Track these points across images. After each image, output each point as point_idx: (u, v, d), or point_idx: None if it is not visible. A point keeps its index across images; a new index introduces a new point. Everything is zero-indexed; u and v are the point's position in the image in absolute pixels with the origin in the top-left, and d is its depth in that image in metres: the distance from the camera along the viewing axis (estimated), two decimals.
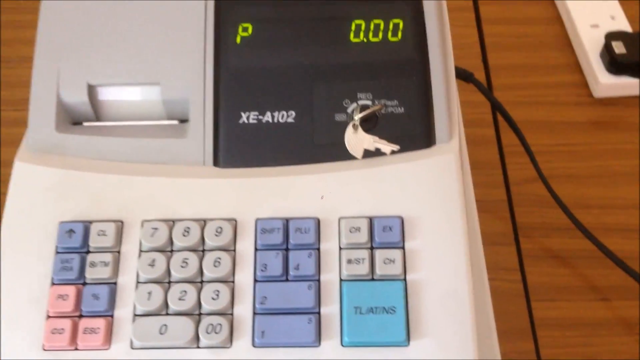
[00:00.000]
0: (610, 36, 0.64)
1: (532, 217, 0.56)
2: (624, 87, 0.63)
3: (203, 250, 0.37)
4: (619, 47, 0.62)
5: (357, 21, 0.40)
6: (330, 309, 0.35)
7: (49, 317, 0.35)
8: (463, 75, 0.53)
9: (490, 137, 0.59)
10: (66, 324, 0.35)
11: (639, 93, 0.63)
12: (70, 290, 0.35)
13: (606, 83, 0.63)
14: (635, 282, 0.49)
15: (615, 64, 0.62)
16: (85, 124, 0.41)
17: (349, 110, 0.39)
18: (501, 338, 0.49)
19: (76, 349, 0.35)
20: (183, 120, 0.41)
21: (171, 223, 0.37)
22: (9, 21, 0.70)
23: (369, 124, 0.39)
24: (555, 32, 0.70)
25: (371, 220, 0.37)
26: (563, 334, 0.50)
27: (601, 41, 0.64)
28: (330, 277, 0.36)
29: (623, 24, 0.67)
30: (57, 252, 0.37)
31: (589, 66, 0.64)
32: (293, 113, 0.39)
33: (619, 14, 0.68)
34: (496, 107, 0.55)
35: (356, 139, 0.39)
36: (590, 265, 0.53)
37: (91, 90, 0.40)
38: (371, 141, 0.39)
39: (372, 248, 0.36)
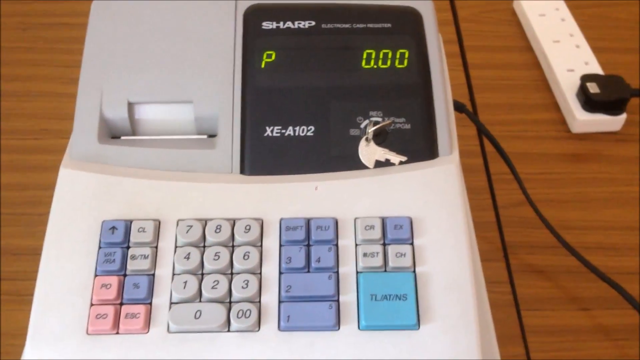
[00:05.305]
0: (585, 78, 0.70)
1: (519, 236, 0.60)
2: (599, 123, 0.69)
3: (233, 246, 0.40)
4: (593, 88, 0.68)
5: (368, 50, 0.46)
6: (348, 297, 0.39)
7: (92, 304, 0.39)
8: (456, 105, 0.57)
9: (479, 166, 0.64)
10: (109, 310, 0.38)
11: (611, 129, 0.69)
12: (113, 280, 0.38)
13: (582, 119, 0.68)
14: (615, 292, 0.54)
15: (590, 103, 0.68)
16: (123, 137, 0.45)
17: (362, 125, 0.44)
18: None
19: (117, 333, 0.38)
20: (211, 136, 0.45)
21: (204, 222, 0.41)
22: (27, 59, 0.75)
23: (380, 138, 0.43)
24: (534, 76, 0.76)
25: (384, 219, 0.41)
26: (550, 340, 0.54)
27: (577, 83, 0.70)
28: (348, 269, 0.40)
29: (596, 69, 0.73)
30: (100, 247, 0.40)
31: (567, 105, 0.70)
32: (312, 128, 0.43)
33: (592, 60, 0.74)
34: (486, 135, 0.59)
35: (368, 151, 0.43)
36: (572, 279, 0.58)
37: (130, 107, 0.45)
38: (382, 153, 0.43)
39: (384, 244, 0.40)
